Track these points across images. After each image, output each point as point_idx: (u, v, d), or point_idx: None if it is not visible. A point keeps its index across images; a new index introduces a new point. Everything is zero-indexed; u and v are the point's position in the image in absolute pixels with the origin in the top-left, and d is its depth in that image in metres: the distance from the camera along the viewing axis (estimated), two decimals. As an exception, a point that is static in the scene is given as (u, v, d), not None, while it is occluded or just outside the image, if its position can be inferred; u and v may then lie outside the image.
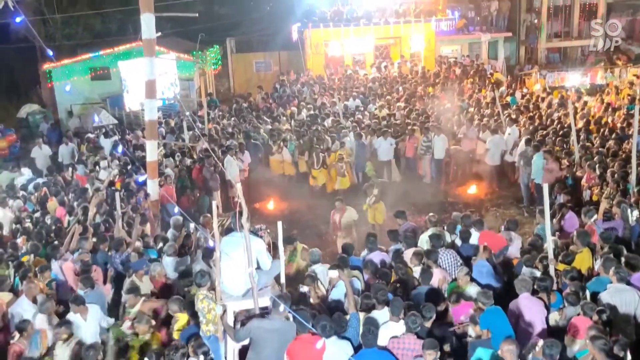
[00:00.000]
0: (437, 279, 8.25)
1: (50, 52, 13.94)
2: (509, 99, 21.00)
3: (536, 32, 30.11)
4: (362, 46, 27.91)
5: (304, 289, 8.23)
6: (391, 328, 6.92)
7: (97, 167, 15.27)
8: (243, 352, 7.01)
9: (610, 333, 6.63)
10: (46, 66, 25.04)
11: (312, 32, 27.13)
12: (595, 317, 6.82)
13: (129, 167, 14.95)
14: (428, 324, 6.95)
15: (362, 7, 28.03)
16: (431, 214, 10.88)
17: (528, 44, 30.93)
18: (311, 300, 8.07)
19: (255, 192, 15.62)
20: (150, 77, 11.32)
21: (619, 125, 16.12)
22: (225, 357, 7.25)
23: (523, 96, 21.78)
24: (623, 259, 8.03)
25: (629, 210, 9.81)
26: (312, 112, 20.21)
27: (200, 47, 27.54)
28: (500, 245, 9.26)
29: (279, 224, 7.86)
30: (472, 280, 8.21)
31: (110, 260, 9.57)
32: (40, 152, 17.95)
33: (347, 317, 7.06)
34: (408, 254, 9.06)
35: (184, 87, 26.75)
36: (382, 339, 6.79)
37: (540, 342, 6.20)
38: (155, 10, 11.03)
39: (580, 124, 16.53)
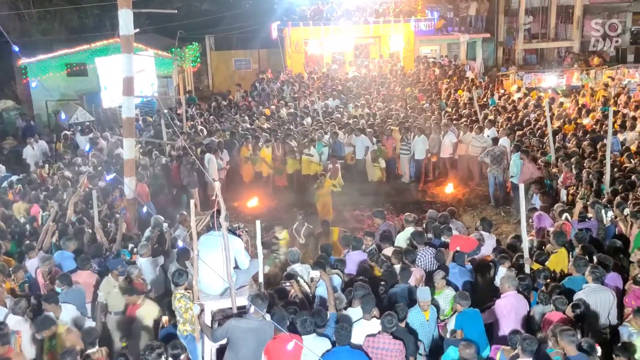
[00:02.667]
0: (415, 278, 8.30)
1: (17, 48, 13.60)
2: (487, 99, 21.20)
3: (513, 34, 30.44)
4: (342, 45, 27.96)
5: (287, 284, 8.21)
6: (363, 326, 6.94)
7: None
8: (221, 352, 6.99)
9: (583, 332, 6.73)
10: (21, 62, 24.64)
11: (292, 31, 27.11)
12: (569, 311, 6.92)
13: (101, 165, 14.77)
14: (402, 324, 6.98)
15: (342, 6, 28.07)
16: (407, 213, 10.93)
17: (505, 45, 31.26)
18: (292, 294, 8.05)
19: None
20: (128, 74, 11.21)
21: (593, 126, 16.35)
22: (203, 357, 7.22)
23: (500, 97, 21.99)
24: (595, 259, 8.15)
25: (603, 211, 9.96)
26: (291, 110, 20.19)
27: (179, 44, 27.36)
28: (472, 246, 9.32)
29: (258, 222, 7.84)
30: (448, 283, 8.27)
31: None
32: (32, 153, 17.52)
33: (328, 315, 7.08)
34: (387, 252, 9.15)
35: (163, 84, 26.53)
36: (355, 337, 6.78)
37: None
38: (134, 6, 10.90)
39: (557, 124, 16.74)
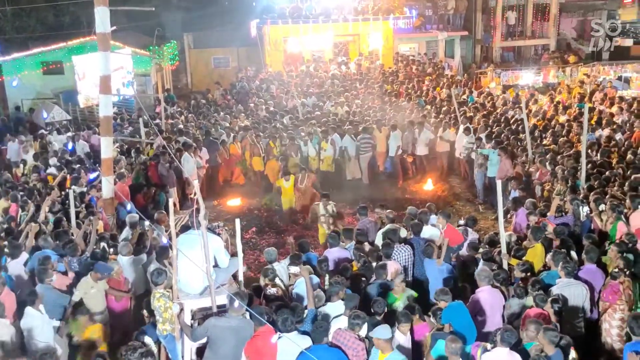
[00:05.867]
0: (390, 272, 8.35)
1: None
2: (466, 97, 21.36)
3: (491, 31, 30.69)
4: (321, 43, 27.99)
5: (272, 290, 8.18)
6: (342, 321, 6.97)
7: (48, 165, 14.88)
8: (201, 351, 6.97)
9: (561, 327, 6.82)
10: (-4, 60, 24.31)
11: (270, 29, 27.05)
12: (548, 307, 7.02)
13: (80, 165, 14.57)
14: (380, 318, 7.03)
15: (321, 4, 28.06)
16: (388, 210, 10.97)
17: (483, 43, 31.51)
18: (270, 292, 8.04)
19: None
20: (105, 72, 11.11)
21: (571, 122, 16.54)
22: (183, 356, 7.20)
23: (479, 94, 22.18)
24: (583, 252, 8.29)
25: (580, 207, 10.10)
26: (271, 109, 20.16)
27: (157, 42, 27.14)
28: (458, 241, 9.41)
29: (237, 221, 7.83)
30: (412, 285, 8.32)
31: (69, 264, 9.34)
32: (16, 149, 17.15)
33: (306, 311, 7.09)
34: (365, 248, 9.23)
35: (141, 82, 26.34)
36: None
37: (489, 346, 6.39)
38: (110, 4, 10.80)
39: (533, 121, 16.94)
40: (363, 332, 6.83)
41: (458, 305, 7.17)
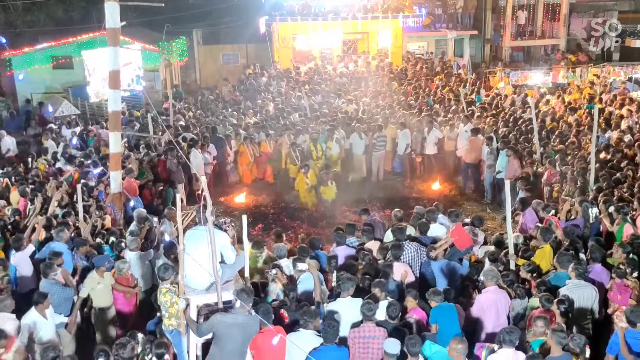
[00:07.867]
0: (399, 273, 8.31)
1: (3, 40, 13.48)
2: (474, 96, 21.27)
3: (500, 31, 30.55)
4: (330, 41, 27.93)
5: (273, 272, 8.18)
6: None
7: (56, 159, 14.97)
8: (206, 346, 6.98)
9: (569, 328, 6.79)
10: (6, 54, 24.38)
11: (280, 26, 27.01)
12: (554, 308, 6.99)
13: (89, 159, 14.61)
14: (395, 322, 7.01)
15: (330, 2, 28.01)
16: (397, 209, 10.97)
17: (493, 42, 31.37)
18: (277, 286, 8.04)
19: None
20: (114, 67, 11.14)
21: (580, 123, 16.45)
22: (188, 352, 7.21)
23: (487, 94, 22.07)
24: (588, 252, 8.28)
25: (589, 209, 10.05)
26: (279, 106, 20.15)
27: (166, 38, 27.16)
28: (466, 245, 9.34)
29: (244, 217, 7.83)
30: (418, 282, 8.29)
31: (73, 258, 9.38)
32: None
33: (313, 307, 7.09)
34: (370, 246, 9.26)
35: (149, 78, 26.38)
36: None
37: (495, 347, 6.36)
38: (120, -1, 10.85)
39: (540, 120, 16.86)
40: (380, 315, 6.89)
41: (447, 306, 7.17)
